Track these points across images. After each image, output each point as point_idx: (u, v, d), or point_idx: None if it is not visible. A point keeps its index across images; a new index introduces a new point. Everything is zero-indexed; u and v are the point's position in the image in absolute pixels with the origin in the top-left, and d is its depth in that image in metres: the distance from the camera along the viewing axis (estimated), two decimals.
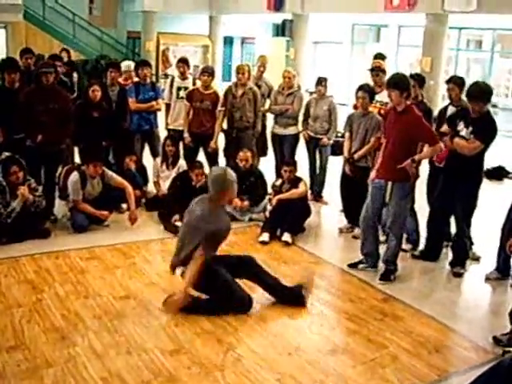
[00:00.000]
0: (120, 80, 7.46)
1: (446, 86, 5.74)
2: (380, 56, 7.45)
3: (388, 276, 5.07)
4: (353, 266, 5.32)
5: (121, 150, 6.99)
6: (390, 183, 4.98)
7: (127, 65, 7.84)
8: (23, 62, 7.09)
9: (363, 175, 6.05)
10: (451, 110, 5.60)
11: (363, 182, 6.04)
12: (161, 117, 7.69)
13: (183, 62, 7.56)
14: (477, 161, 5.08)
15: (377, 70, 6.56)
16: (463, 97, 5.48)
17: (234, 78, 7.46)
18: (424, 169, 5.71)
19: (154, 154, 7.38)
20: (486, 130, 4.95)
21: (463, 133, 5.02)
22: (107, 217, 6.11)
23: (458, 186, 5.17)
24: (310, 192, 7.17)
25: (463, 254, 5.37)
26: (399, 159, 4.84)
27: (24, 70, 6.85)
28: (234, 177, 4.25)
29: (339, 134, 7.81)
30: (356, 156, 6.03)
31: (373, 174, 5.23)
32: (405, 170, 4.83)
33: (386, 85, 5.02)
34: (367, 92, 5.95)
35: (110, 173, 6.14)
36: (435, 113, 6.10)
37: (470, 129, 4.98)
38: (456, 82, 5.64)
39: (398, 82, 4.82)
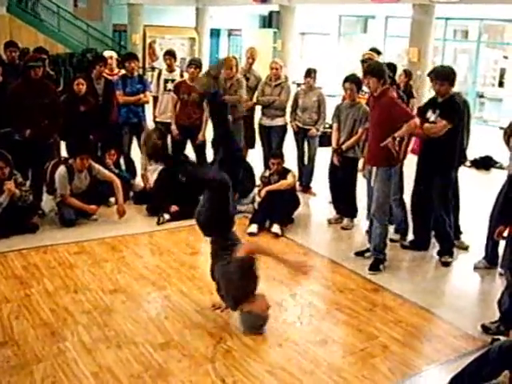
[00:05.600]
0: (106, 71, 7.37)
1: None
2: (375, 50, 7.44)
3: (377, 266, 5.08)
4: (359, 254, 5.35)
5: (108, 144, 6.93)
6: (374, 168, 5.01)
7: (109, 55, 7.69)
8: (7, 55, 6.99)
9: (351, 166, 6.07)
10: None
11: (351, 173, 6.06)
12: (149, 109, 7.64)
13: (170, 54, 7.52)
14: (449, 149, 5.14)
15: (368, 62, 6.55)
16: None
17: None
18: (411, 164, 5.71)
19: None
20: (451, 111, 5.11)
21: (432, 118, 5.13)
22: (95, 211, 6.08)
23: (432, 175, 5.25)
24: (298, 183, 7.18)
25: (447, 241, 5.40)
26: (381, 142, 4.87)
27: (8, 63, 6.76)
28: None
29: (327, 125, 7.81)
30: (344, 147, 6.03)
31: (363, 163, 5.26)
32: (388, 152, 4.84)
33: (363, 73, 5.09)
34: (354, 83, 5.96)
35: (98, 166, 6.10)
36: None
37: (437, 112, 5.12)
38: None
39: (375, 70, 4.94)
